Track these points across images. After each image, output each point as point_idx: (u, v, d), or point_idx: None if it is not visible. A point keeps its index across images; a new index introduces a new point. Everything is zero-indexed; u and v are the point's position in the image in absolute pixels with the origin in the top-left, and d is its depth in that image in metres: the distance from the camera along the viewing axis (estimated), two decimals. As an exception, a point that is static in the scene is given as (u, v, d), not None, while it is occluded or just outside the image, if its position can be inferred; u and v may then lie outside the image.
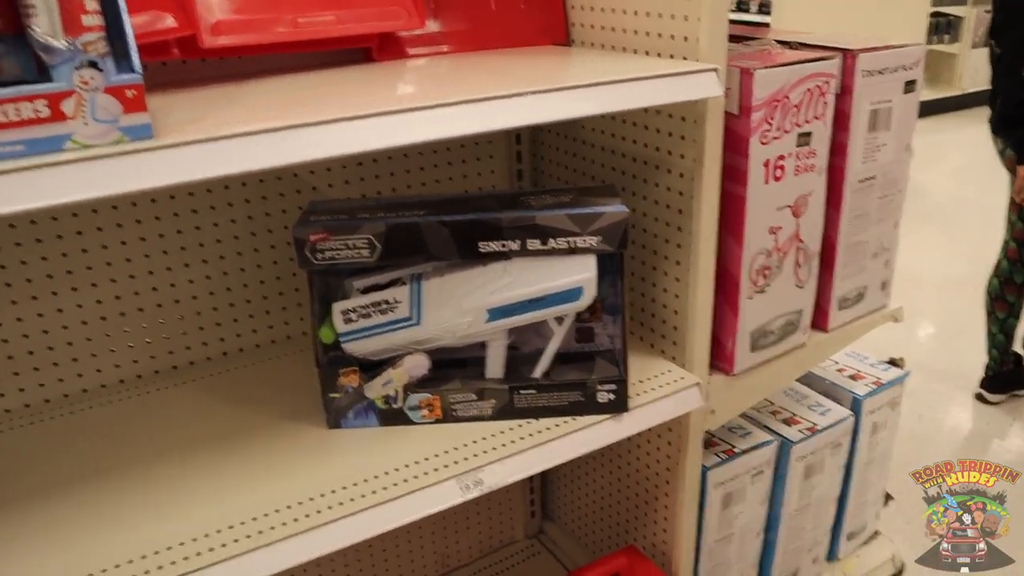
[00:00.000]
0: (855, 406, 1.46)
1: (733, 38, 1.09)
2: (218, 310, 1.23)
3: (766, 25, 5.60)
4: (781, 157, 1.11)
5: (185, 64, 1.02)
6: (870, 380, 1.51)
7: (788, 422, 1.41)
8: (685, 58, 1.03)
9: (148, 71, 0.67)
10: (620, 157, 1.21)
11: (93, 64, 0.63)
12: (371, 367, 1.04)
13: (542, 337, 1.08)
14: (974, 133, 3.41)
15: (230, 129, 0.71)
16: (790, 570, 1.51)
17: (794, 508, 1.44)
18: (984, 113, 2.82)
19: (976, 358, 3.12)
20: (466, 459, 0.98)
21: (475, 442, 1.01)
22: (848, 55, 1.16)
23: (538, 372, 1.08)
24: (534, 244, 0.99)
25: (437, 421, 1.06)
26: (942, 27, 7.35)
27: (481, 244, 0.99)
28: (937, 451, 2.83)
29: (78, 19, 0.62)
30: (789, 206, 1.16)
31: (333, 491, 0.93)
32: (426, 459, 0.98)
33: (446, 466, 0.97)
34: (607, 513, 1.49)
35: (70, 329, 1.12)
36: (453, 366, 1.08)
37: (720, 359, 1.21)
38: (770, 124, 1.08)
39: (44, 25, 0.62)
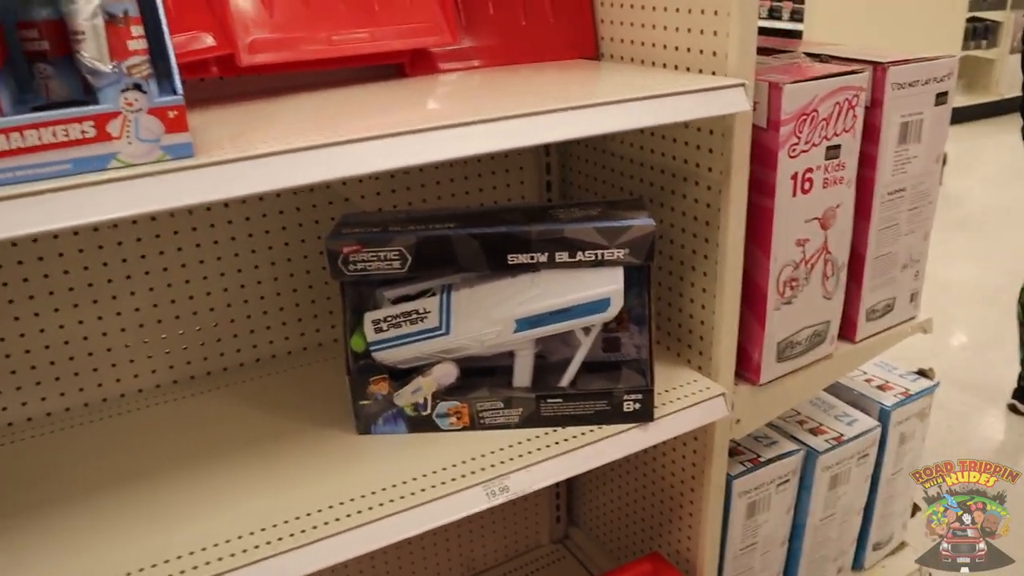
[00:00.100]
0: (883, 416, 1.46)
1: (762, 51, 1.10)
2: (252, 318, 1.26)
3: (798, 33, 5.55)
4: (809, 170, 1.11)
5: (222, 80, 1.05)
6: (898, 391, 1.50)
7: (814, 432, 1.41)
8: (714, 72, 1.04)
9: (186, 87, 0.70)
10: (648, 169, 1.21)
11: (138, 87, 0.66)
12: (401, 375, 1.06)
13: (569, 347, 1.10)
14: (1011, 140, 3.34)
15: (267, 148, 0.74)
16: (815, 580, 1.51)
17: (819, 518, 1.44)
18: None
19: (1010, 370, 3.07)
20: (492, 466, 1.00)
21: (501, 449, 1.03)
22: (878, 68, 1.16)
23: (565, 381, 1.09)
24: (562, 256, 1.00)
25: (465, 428, 1.07)
26: (979, 32, 7.24)
27: (510, 256, 1.01)
28: (968, 462, 2.79)
29: (124, 44, 0.65)
30: (817, 218, 1.16)
31: (363, 496, 0.94)
32: (453, 466, 1.00)
33: (473, 473, 0.98)
34: (632, 520, 1.50)
35: (109, 336, 1.16)
36: (481, 375, 1.09)
37: (746, 369, 1.21)
38: (798, 137, 1.08)
39: (92, 51, 0.64)
